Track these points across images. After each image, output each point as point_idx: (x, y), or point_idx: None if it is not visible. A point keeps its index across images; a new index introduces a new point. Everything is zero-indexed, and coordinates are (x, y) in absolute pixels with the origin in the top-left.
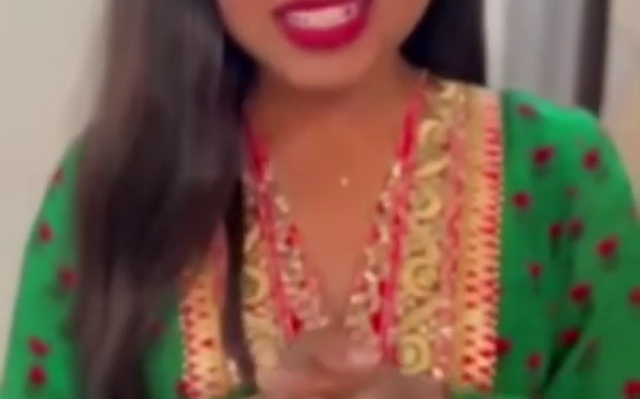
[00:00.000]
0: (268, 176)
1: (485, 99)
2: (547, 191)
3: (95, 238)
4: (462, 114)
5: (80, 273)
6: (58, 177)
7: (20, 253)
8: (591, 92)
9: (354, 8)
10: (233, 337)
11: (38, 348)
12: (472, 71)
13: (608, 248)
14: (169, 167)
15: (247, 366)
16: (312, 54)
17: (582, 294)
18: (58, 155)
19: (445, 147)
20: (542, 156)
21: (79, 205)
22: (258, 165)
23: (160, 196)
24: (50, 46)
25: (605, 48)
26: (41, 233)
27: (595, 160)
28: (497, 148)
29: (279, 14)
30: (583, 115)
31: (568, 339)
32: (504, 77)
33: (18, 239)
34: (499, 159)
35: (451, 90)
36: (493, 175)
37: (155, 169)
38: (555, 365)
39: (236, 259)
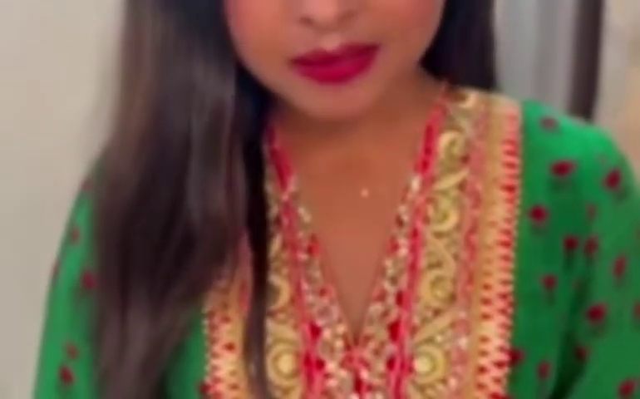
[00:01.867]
0: (292, 187)
1: (506, 109)
2: (564, 204)
3: (110, 265)
4: (482, 124)
5: (98, 298)
6: (86, 185)
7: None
8: (585, 90)
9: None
10: (255, 341)
11: (71, 351)
12: (483, 77)
13: (620, 267)
14: (178, 199)
15: (262, 370)
16: (326, 88)
17: (598, 314)
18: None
19: (464, 159)
20: (561, 169)
21: (95, 233)
22: (281, 176)
23: (171, 226)
24: (61, 74)
25: (598, 47)
26: (71, 236)
27: (616, 180)
28: (515, 160)
29: (295, 63)
30: (604, 133)
31: (579, 354)
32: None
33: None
34: (516, 171)
35: (472, 99)
36: (510, 188)
37: (164, 201)
38: (563, 377)
39: (260, 267)
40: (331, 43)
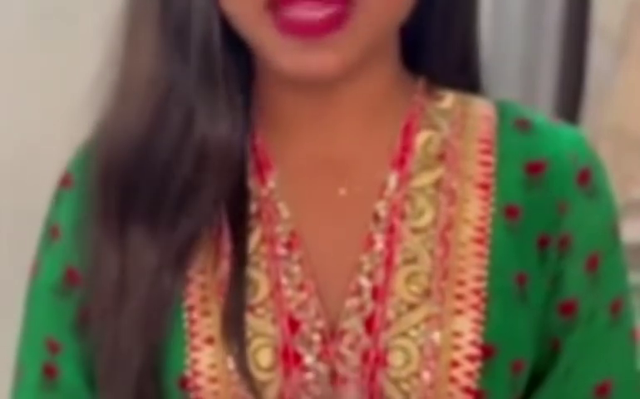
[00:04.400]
0: (271, 182)
1: (481, 109)
2: (537, 203)
3: (110, 204)
4: (458, 124)
5: (93, 249)
6: (66, 181)
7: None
8: (571, 90)
9: (340, 4)
10: (234, 335)
11: (52, 346)
12: (465, 79)
13: (593, 264)
14: (182, 135)
15: (244, 363)
16: (301, 44)
17: (569, 309)
18: (62, 157)
19: (440, 157)
20: (534, 169)
21: (95, 178)
22: (261, 171)
23: (176, 161)
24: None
25: (585, 47)
26: (50, 233)
27: (587, 177)
28: (490, 159)
29: (271, 6)
30: (577, 132)
31: (552, 347)
32: (485, 78)
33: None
34: (491, 170)
35: (449, 99)
36: (485, 186)
37: (170, 135)
38: (537, 370)
39: (239, 261)
40: None
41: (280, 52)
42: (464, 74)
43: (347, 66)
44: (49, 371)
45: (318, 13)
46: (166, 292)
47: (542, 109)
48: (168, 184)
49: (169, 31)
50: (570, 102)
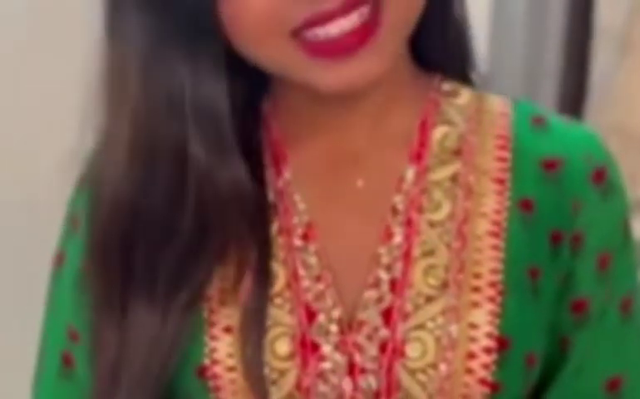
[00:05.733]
0: (287, 174)
1: (498, 106)
2: (551, 198)
3: (110, 276)
4: (474, 120)
5: (94, 311)
6: (83, 180)
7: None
8: (574, 90)
9: (365, 11)
10: (255, 325)
11: (73, 335)
12: (460, 69)
13: (604, 263)
14: (174, 200)
15: (260, 352)
16: (335, 62)
17: (581, 307)
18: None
19: (457, 152)
20: (549, 165)
21: (92, 248)
22: (277, 164)
23: (171, 226)
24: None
25: (588, 46)
26: (72, 222)
27: (602, 176)
28: (506, 154)
29: (297, 33)
30: (590, 131)
31: (562, 345)
32: (489, 75)
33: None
34: (507, 165)
35: (465, 96)
36: (500, 181)
37: (161, 203)
38: (548, 367)
39: (261, 252)
40: (332, 3)
41: (318, 76)
42: (461, 55)
43: (384, 71)
44: (67, 360)
45: (346, 24)
46: (165, 355)
47: (544, 107)
48: (164, 250)
49: (154, 107)
50: (573, 102)
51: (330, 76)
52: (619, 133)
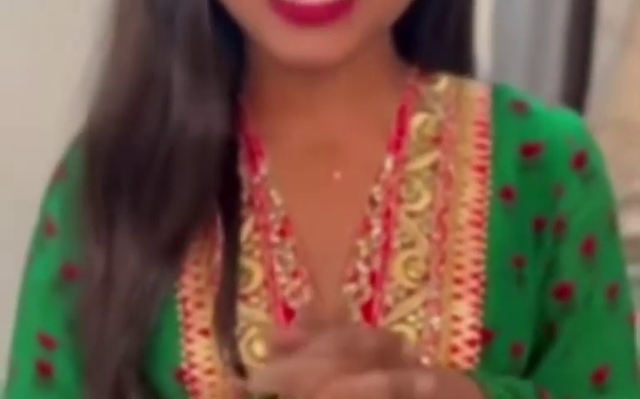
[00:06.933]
0: (263, 169)
1: (476, 91)
2: (533, 185)
3: (98, 203)
4: (453, 107)
5: (84, 244)
6: (60, 173)
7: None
8: (577, 81)
9: None
10: (226, 325)
11: (46, 343)
12: (460, 64)
13: (588, 247)
14: (161, 124)
15: (237, 354)
16: (301, 30)
17: (565, 293)
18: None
19: (436, 140)
20: (530, 151)
21: (86, 177)
22: (253, 159)
23: (154, 153)
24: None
25: (591, 38)
26: (45, 229)
27: (583, 160)
28: (486, 141)
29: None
30: (573, 115)
31: (549, 331)
32: (491, 68)
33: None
34: (487, 152)
35: (443, 82)
36: (481, 169)
37: (148, 127)
38: (536, 354)
39: (231, 249)
40: None
41: (279, 39)
42: (458, 59)
43: (347, 53)
44: (44, 369)
45: None
46: (151, 288)
47: (547, 101)
48: (146, 178)
49: (155, 16)
50: (575, 94)
51: (293, 43)
52: (621, 126)
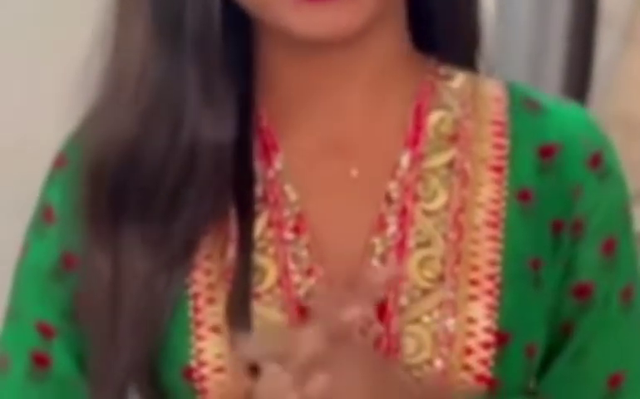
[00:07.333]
0: (278, 164)
1: (492, 90)
2: (550, 187)
3: (101, 205)
4: (469, 104)
5: (85, 247)
6: (61, 161)
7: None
8: (578, 76)
9: None
10: (240, 324)
11: (45, 331)
12: (466, 58)
13: (609, 247)
14: (173, 135)
15: (250, 354)
16: (312, 6)
17: (584, 292)
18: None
19: (453, 138)
20: (547, 152)
21: (85, 178)
22: (267, 154)
23: (166, 163)
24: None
25: (592, 33)
26: (44, 216)
27: (599, 160)
28: (503, 141)
29: None
30: (585, 114)
31: (564, 330)
32: (493, 63)
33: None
34: (504, 152)
35: (459, 79)
36: (498, 169)
37: (159, 137)
38: (549, 353)
39: (245, 246)
40: None
41: (291, 14)
42: (472, 54)
43: (359, 26)
44: (39, 360)
45: None
46: (160, 295)
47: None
48: (158, 187)
49: (162, 17)
50: (577, 90)
51: (306, 19)
52: (623, 122)
